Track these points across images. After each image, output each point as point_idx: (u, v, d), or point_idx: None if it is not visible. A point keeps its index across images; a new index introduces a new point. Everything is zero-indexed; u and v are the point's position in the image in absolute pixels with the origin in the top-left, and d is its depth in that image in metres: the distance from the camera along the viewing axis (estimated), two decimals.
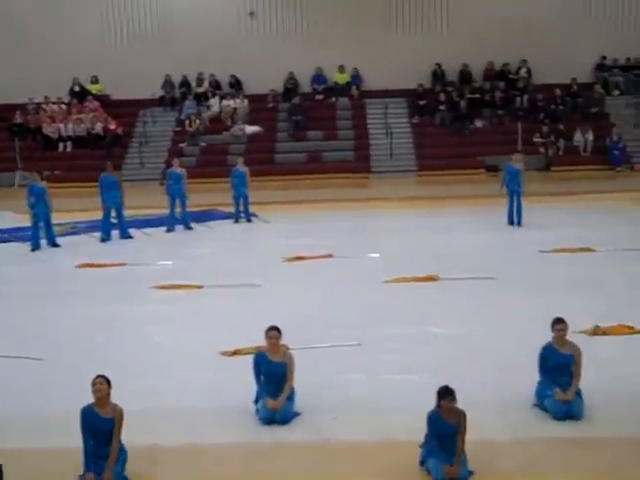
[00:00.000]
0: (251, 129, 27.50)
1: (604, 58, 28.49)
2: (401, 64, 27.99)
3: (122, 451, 7.28)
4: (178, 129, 27.85)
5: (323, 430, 8.22)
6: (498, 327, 10.92)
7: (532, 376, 8.56)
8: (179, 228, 18.13)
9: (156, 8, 28.78)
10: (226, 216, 19.11)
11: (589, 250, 14.91)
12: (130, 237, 17.49)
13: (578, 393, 8.32)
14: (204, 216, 19.02)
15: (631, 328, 10.62)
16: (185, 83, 29.22)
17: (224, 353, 10.32)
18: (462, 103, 27.28)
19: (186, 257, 15.71)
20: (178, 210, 18.21)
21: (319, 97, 28.87)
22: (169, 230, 17.96)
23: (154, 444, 7.96)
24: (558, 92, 27.42)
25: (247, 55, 28.47)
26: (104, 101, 29.07)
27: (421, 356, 10.07)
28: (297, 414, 8.50)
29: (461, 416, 7.24)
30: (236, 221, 18.74)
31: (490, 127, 27.27)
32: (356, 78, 29.03)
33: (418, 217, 18.42)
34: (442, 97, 27.64)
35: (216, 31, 28.42)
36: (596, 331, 10.50)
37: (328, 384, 9.28)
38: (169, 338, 11.10)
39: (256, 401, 8.58)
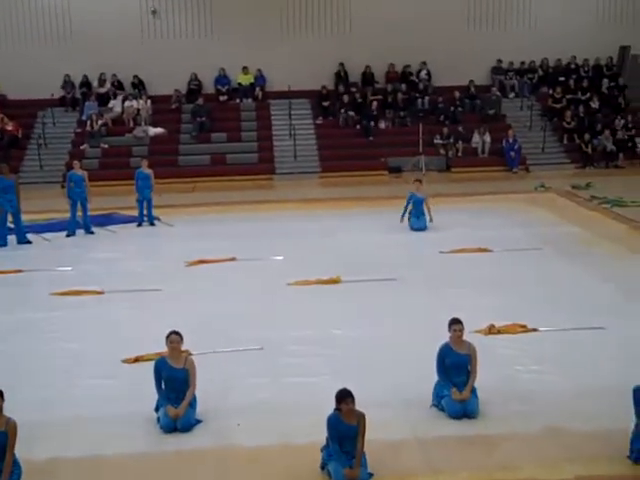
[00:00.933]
0: (154, 131, 27.17)
1: (500, 61, 29.29)
2: (304, 65, 28.14)
3: (16, 466, 7.12)
4: (79, 130, 27.29)
5: (226, 436, 8.24)
6: (398, 328, 11.14)
7: (430, 376, 8.78)
8: (80, 232, 17.78)
9: (54, 5, 28.12)
10: (129, 220, 18.83)
11: (486, 250, 15.33)
12: (29, 242, 17.07)
13: (474, 392, 8.59)
14: (106, 220, 18.71)
15: (524, 327, 10.99)
16: (86, 83, 28.64)
17: (126, 360, 10.23)
18: (374, 104, 27.56)
19: (87, 262, 15.44)
20: (79, 214, 17.86)
21: (223, 98, 28.76)
22: (69, 234, 17.60)
23: (53, 457, 7.84)
24: (457, 94, 28.05)
25: (150, 55, 28.10)
26: (1, 102, 28.26)
27: (323, 358, 10.20)
28: (199, 421, 8.49)
29: (360, 418, 7.37)
30: (139, 225, 18.50)
31: (393, 128, 27.68)
32: (260, 79, 29.03)
33: (321, 219, 18.56)
34: (345, 98, 27.91)
35: (118, 30, 27.95)
36: (491, 330, 10.83)
37: (230, 389, 9.31)
38: (69, 345, 10.92)
39: (157, 409, 8.54)
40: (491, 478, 7.33)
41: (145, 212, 18.53)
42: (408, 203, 17.38)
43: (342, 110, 27.70)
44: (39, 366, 10.21)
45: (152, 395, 8.56)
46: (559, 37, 28.69)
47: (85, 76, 28.54)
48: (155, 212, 18.84)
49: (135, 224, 18.58)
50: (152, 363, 8.77)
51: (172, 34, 28.75)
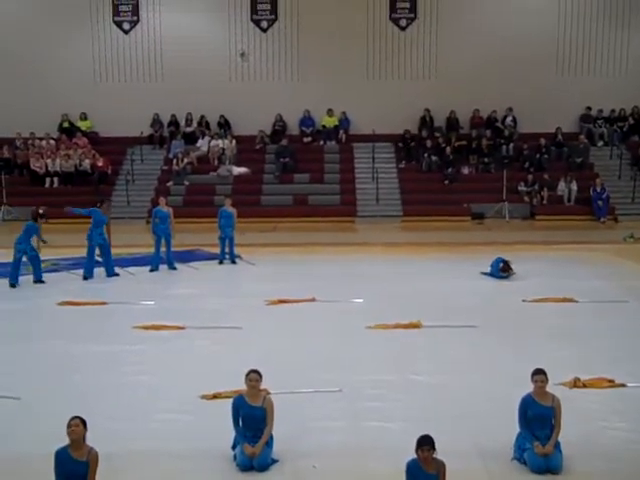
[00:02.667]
0: (238, 170, 27.60)
1: (589, 109, 28.88)
2: (389, 109, 28.28)
3: None
4: (165, 168, 27.93)
5: (301, 477, 8.15)
6: (479, 376, 10.91)
7: (512, 428, 8.54)
8: (163, 268, 18.09)
9: (148, 47, 29.01)
10: (211, 257, 19.09)
11: (571, 300, 14.96)
12: (116, 275, 17.43)
13: (557, 446, 8.30)
14: (189, 256, 19.00)
15: (611, 382, 10.62)
16: (174, 122, 29.38)
17: (204, 396, 10.24)
18: (448, 149, 27.53)
19: (169, 297, 15.66)
20: (163, 249, 18.18)
21: (307, 140, 29.06)
22: (153, 269, 17.91)
23: None
24: (543, 141, 27.73)
25: (237, 96, 28.70)
26: (93, 138, 29.18)
27: (402, 404, 10.04)
28: (275, 461, 8.42)
29: (440, 466, 7.21)
30: (221, 262, 18.71)
31: (476, 174, 27.49)
32: (344, 122, 29.28)
33: (402, 263, 18.45)
34: (429, 143, 27.88)
35: (207, 71, 28.67)
36: (576, 383, 10.50)
37: (308, 430, 9.22)
38: (149, 379, 11.01)
39: (234, 447, 8.51)
40: None
41: (227, 250, 18.73)
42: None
43: (425, 155, 27.64)
44: (118, 398, 10.31)
45: (229, 432, 8.55)
46: None
47: (173, 115, 29.27)
48: (237, 250, 19.03)
49: (217, 261, 18.79)
50: (230, 400, 8.77)
51: (259, 76, 29.31)
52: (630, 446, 8.78)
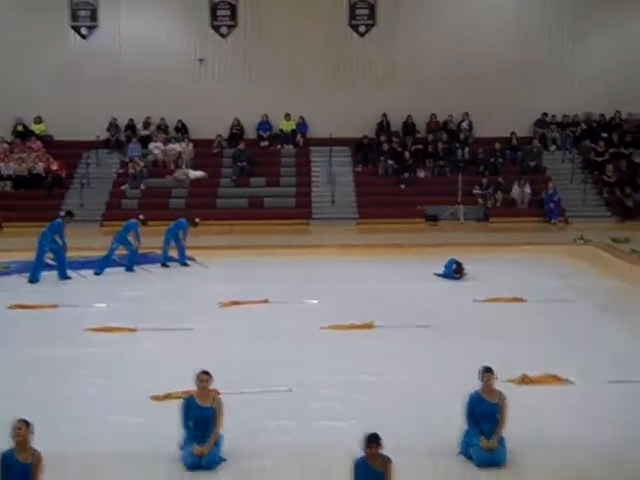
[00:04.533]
0: (195, 174, 27.50)
1: (545, 115, 29.29)
2: (347, 113, 28.34)
3: None
4: (121, 171, 27.74)
5: (249, 476, 8.19)
6: (430, 375, 11.04)
7: (459, 424, 8.66)
8: (116, 270, 18.00)
9: (104, 50, 28.77)
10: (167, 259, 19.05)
11: (521, 300, 15.19)
12: (69, 278, 17.35)
13: (501, 441, 8.44)
14: (142, 259, 18.86)
15: (557, 378, 10.83)
16: (131, 126, 29.19)
17: (155, 397, 10.23)
18: (406, 154, 27.73)
19: (121, 299, 15.57)
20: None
21: (264, 144, 29.07)
22: (97, 273, 17.83)
23: None
24: (498, 145, 28.05)
25: (194, 100, 28.55)
26: (47, 142, 28.86)
27: (352, 403, 10.12)
28: (223, 460, 8.44)
29: (386, 462, 7.29)
30: (164, 265, 18.75)
31: (432, 178, 27.72)
32: (302, 126, 29.33)
33: (357, 265, 18.53)
34: (386, 147, 28.05)
35: (165, 76, 28.50)
36: (524, 380, 10.69)
37: (257, 430, 9.25)
38: (99, 381, 10.96)
39: (182, 447, 8.51)
40: None
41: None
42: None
43: (382, 158, 27.81)
44: (67, 400, 10.25)
45: (178, 433, 8.54)
46: (604, 91, 28.57)
47: (131, 119, 29.07)
48: (191, 253, 18.99)
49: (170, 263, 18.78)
50: (180, 401, 8.78)
51: (217, 81, 29.24)
52: (573, 440, 8.95)
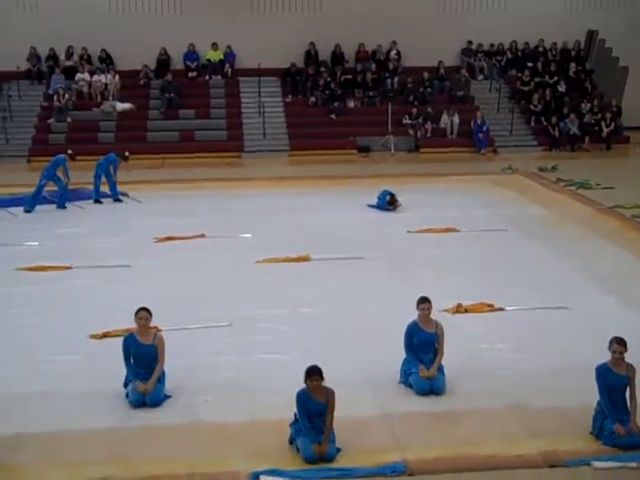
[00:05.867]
0: (122, 106, 26.85)
1: (469, 43, 29.33)
2: (275, 43, 27.91)
3: None
4: (45, 104, 26.94)
5: (194, 412, 8.28)
6: (367, 306, 11.24)
7: (398, 354, 8.88)
8: (46, 207, 17.66)
9: None
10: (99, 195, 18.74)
11: (453, 230, 15.47)
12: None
13: (440, 369, 8.71)
14: (74, 195, 18.50)
15: (491, 306, 11.16)
16: (53, 56, 28.22)
17: (93, 336, 10.22)
18: (334, 83, 27.58)
19: (54, 237, 15.27)
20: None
21: (192, 74, 28.51)
22: (28, 210, 17.52)
23: (18, 432, 7.82)
24: (426, 75, 28.07)
25: (119, 29, 27.63)
26: None
27: (292, 336, 10.28)
28: (168, 396, 8.53)
29: (329, 394, 7.46)
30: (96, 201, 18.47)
31: (362, 108, 27.67)
32: (229, 56, 28.79)
33: (290, 197, 18.54)
34: (315, 77, 27.82)
35: (86, 2, 27.56)
36: (458, 309, 10.99)
37: (199, 365, 9.36)
38: (36, 321, 10.87)
39: (125, 384, 8.55)
40: (456, 453, 7.46)
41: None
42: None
43: (311, 89, 27.62)
44: (4, 341, 10.17)
45: (120, 371, 8.58)
46: (528, 20, 28.72)
47: (52, 49, 28.11)
48: (123, 188, 18.72)
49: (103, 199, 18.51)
50: (120, 339, 8.78)
51: (141, 9, 28.36)
52: (509, 365, 9.30)
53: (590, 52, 29.85)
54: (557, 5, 29.18)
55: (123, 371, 8.56)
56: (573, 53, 29.69)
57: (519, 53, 29.61)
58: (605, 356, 7.70)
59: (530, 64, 28.91)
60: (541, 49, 29.51)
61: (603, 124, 26.63)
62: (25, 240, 14.98)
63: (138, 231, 15.59)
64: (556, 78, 28.55)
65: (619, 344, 7.61)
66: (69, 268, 13.12)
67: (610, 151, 26.02)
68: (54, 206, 17.80)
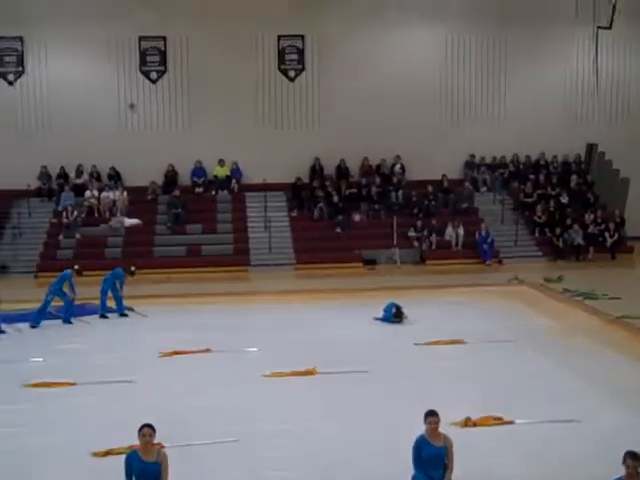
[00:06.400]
0: (130, 221, 27.28)
1: (472, 156, 29.94)
2: (280, 159, 28.56)
3: None
4: (54, 221, 27.34)
5: None
6: (373, 420, 11.08)
7: (407, 469, 8.68)
8: (52, 323, 17.67)
9: (33, 97, 28.49)
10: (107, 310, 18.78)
11: (460, 342, 15.38)
12: (2, 332, 16.95)
13: None
14: (80, 310, 18.54)
15: (500, 419, 10.97)
16: (63, 174, 28.85)
17: (96, 454, 10.03)
18: (339, 198, 28.00)
19: (60, 353, 15.24)
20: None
21: (199, 190, 29.04)
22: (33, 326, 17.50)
23: None
24: (430, 188, 28.54)
25: (127, 147, 28.44)
26: None
27: (299, 452, 10.08)
28: None
29: None
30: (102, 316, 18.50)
31: (367, 221, 28.01)
32: (236, 172, 29.39)
33: (296, 311, 18.56)
34: (320, 192, 28.28)
35: (96, 122, 28.33)
36: (467, 422, 10.80)
37: None
38: (39, 439, 10.69)
39: None
40: None
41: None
42: None
43: (316, 203, 28.03)
44: (8, 460, 9.97)
45: None
46: (529, 134, 29.46)
47: (62, 167, 28.75)
48: (129, 303, 18.77)
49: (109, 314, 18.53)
50: (123, 456, 8.61)
51: (149, 127, 29.18)
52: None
53: (591, 164, 30.44)
54: (557, 119, 29.88)
55: None
56: (574, 166, 30.24)
57: (521, 166, 30.17)
58: (618, 472, 7.51)
59: (532, 176, 29.40)
60: (543, 162, 30.10)
61: (607, 234, 26.87)
62: (30, 356, 14.91)
63: (143, 346, 15.54)
64: (558, 190, 29.01)
65: (633, 459, 7.45)
66: (73, 384, 13.01)
67: (615, 261, 26.15)
68: (60, 321, 17.82)
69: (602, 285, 20.31)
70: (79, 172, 28.84)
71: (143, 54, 29.10)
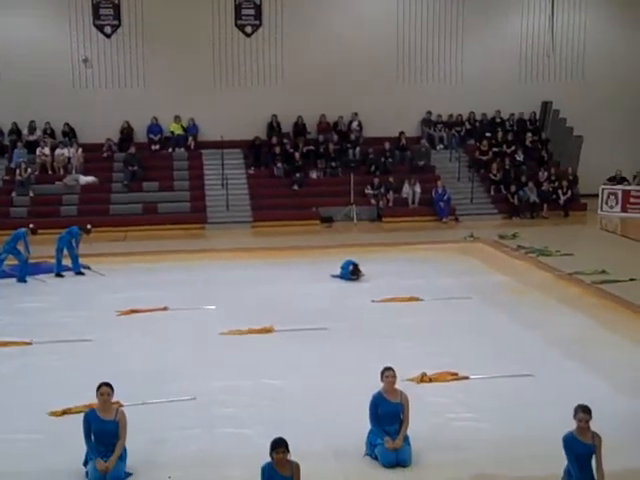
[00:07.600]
0: (85, 179, 26.88)
1: (429, 113, 29.96)
2: (237, 115, 28.27)
3: None
4: (7, 178, 26.85)
5: None
6: (330, 378, 11.17)
7: (364, 425, 8.82)
8: (10, 281, 17.48)
9: None
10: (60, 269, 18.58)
11: (416, 299, 15.53)
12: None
13: (406, 440, 8.65)
14: (35, 269, 18.34)
15: (455, 375, 11.16)
16: (15, 130, 28.28)
17: (53, 413, 10.00)
18: (297, 155, 27.89)
19: (14, 312, 15.09)
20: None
21: (155, 147, 28.68)
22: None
23: None
24: (387, 145, 28.55)
25: (82, 103, 27.91)
26: None
27: (255, 409, 10.17)
28: (129, 474, 8.35)
29: (295, 468, 7.37)
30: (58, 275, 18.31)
31: (324, 178, 27.97)
32: (192, 128, 29.06)
33: (253, 268, 18.54)
34: (277, 149, 28.14)
35: (49, 77, 27.69)
36: (423, 379, 10.97)
37: (162, 441, 9.19)
38: None
39: (85, 463, 8.36)
40: None
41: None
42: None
43: (275, 161, 27.89)
44: None
45: (80, 448, 8.39)
46: (485, 92, 29.54)
47: (14, 123, 28.18)
48: (86, 261, 18.60)
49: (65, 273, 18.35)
50: (81, 415, 8.62)
51: (104, 82, 28.62)
52: (475, 435, 9.26)
53: (545, 122, 30.64)
54: (512, 77, 30.01)
55: (84, 449, 8.38)
56: (529, 123, 30.44)
57: (477, 124, 30.28)
58: (570, 424, 7.70)
59: (488, 134, 29.55)
60: (498, 120, 30.22)
61: (560, 192, 27.16)
62: None
63: (100, 305, 15.44)
64: (514, 147, 29.19)
65: (584, 412, 7.60)
66: (29, 344, 12.91)
67: (568, 218, 26.51)
68: (14, 280, 17.60)
69: (555, 242, 20.61)
70: (32, 128, 28.27)
71: (96, 7, 28.42)
